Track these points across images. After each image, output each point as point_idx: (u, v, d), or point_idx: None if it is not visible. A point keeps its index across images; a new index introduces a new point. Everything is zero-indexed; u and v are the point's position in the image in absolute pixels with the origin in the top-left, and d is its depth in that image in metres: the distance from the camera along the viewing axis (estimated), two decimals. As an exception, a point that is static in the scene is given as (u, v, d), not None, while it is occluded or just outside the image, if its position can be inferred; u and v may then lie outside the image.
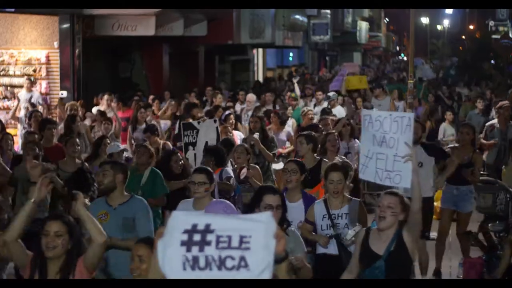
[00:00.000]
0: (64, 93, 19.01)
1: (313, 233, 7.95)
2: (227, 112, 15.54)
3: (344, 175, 8.05)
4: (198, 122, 12.48)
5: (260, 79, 35.44)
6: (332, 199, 7.97)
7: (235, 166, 10.73)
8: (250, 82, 32.92)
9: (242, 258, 3.61)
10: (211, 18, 24.38)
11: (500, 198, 11.12)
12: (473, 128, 11.41)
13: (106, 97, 17.72)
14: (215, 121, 12.67)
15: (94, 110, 17.14)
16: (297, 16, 35.40)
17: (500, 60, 40.10)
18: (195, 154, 11.92)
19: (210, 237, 3.67)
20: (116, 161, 7.60)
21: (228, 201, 6.57)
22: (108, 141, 11.82)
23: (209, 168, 8.08)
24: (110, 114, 15.97)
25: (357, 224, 7.71)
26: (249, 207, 6.46)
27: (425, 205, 9.38)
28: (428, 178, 10.10)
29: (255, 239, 3.65)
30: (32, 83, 18.49)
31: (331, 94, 19.53)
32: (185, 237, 3.69)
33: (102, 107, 17.40)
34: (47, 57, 19.17)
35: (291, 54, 44.08)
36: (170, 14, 21.07)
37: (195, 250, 3.65)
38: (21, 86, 18.86)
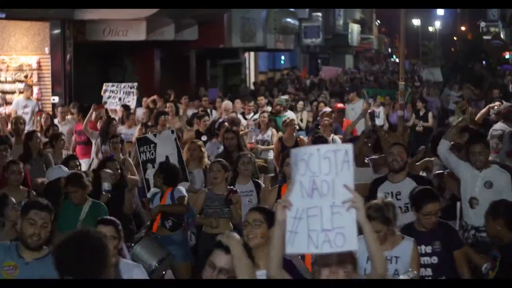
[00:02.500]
0: (56, 99, 19.04)
1: None
2: (220, 120, 14.93)
3: (382, 223, 6.37)
4: (154, 135, 11.27)
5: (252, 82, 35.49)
6: None
7: (211, 185, 9.63)
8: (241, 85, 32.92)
9: None
10: (202, 22, 24.40)
11: None
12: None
13: (59, 109, 16.37)
14: (172, 131, 11.47)
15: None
16: (289, 19, 35.44)
17: (492, 60, 40.26)
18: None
19: None
20: (51, 208, 6.01)
21: (142, 269, 5.35)
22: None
23: (116, 221, 6.44)
24: (64, 129, 14.91)
25: (410, 269, 6.30)
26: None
27: None
28: None
29: None
30: (32, 90, 18.28)
31: (283, 97, 18.97)
32: None
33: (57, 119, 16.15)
34: (38, 63, 19.17)
35: (282, 57, 44.13)
36: (161, 19, 21.08)
37: None
38: (12, 92, 18.87)
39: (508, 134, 13.81)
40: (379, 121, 18.57)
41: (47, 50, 19.19)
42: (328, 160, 4.52)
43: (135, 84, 17.39)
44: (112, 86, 16.94)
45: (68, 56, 19.30)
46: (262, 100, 18.71)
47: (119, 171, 9.91)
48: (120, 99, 16.71)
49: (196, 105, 18.93)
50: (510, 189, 8.62)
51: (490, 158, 12.86)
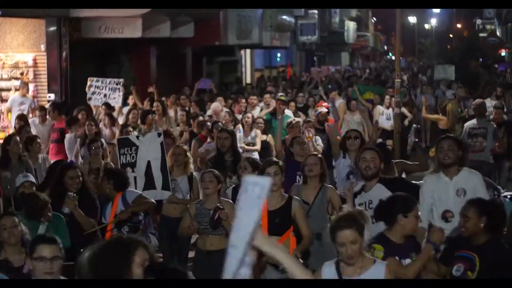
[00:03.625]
0: (52, 96, 19.02)
1: None
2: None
3: (358, 232, 5.60)
4: (137, 137, 10.47)
5: (248, 79, 35.48)
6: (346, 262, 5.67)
7: (203, 198, 8.83)
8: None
9: None
10: (198, 19, 24.39)
11: None
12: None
13: (38, 112, 15.71)
14: (159, 134, 10.51)
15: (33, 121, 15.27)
16: (285, 17, 35.46)
17: (487, 58, 40.28)
18: (135, 178, 9.96)
19: None
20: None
21: None
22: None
23: (56, 239, 5.93)
24: (45, 129, 14.53)
25: None
26: None
27: None
28: None
29: None
30: (28, 88, 18.13)
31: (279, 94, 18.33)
32: None
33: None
34: (34, 60, 19.16)
35: (278, 55, 44.14)
36: (157, 16, 21.08)
37: None
38: (8, 90, 18.87)
39: (492, 132, 13.82)
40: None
41: (43, 47, 19.17)
42: (245, 193, 3.75)
43: (121, 80, 16.78)
44: (97, 81, 16.33)
45: (64, 54, 19.29)
46: (254, 99, 17.65)
47: (81, 178, 8.96)
48: (105, 95, 16.15)
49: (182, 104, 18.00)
50: (483, 189, 7.84)
51: (475, 157, 12.93)
